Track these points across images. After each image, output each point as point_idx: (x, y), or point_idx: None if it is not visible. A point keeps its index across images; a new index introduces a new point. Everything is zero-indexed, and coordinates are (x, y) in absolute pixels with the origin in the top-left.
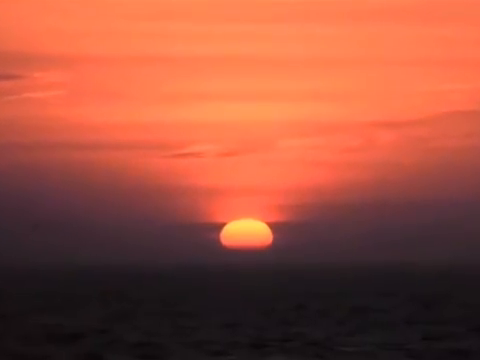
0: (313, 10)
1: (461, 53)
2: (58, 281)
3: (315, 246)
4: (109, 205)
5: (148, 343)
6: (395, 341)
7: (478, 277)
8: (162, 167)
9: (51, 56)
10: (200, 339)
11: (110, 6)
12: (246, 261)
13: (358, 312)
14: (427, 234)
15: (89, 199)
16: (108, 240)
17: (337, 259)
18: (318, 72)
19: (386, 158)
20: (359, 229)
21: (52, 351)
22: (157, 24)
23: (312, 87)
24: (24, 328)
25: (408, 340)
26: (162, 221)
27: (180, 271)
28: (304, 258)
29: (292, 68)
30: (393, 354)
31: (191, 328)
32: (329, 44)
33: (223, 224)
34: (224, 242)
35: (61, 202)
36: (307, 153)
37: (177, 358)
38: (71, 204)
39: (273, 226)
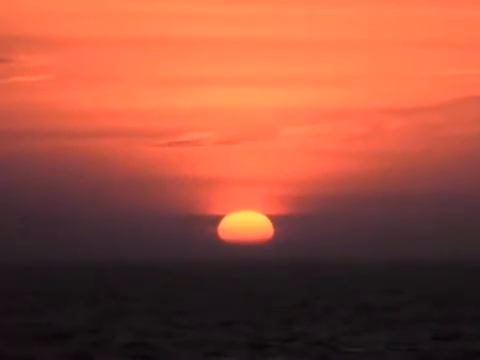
0: None
1: (475, 35)
2: (46, 278)
3: (318, 240)
4: (100, 197)
5: (141, 343)
6: (403, 341)
7: None
8: (156, 156)
9: (38, 38)
10: (196, 339)
11: None
12: (245, 256)
13: (364, 310)
14: (437, 228)
15: (79, 190)
16: (99, 234)
17: (341, 254)
18: (322, 55)
19: (393, 147)
20: (364, 222)
21: (39, 352)
22: (151, 3)
23: (315, 71)
24: (9, 327)
25: (417, 340)
26: (156, 214)
27: (175, 267)
28: (307, 253)
29: (294, 51)
30: (401, 354)
31: (186, 327)
32: (333, 26)
33: (221, 217)
34: (222, 236)
35: (49, 194)
36: (310, 141)
37: (171, 359)
38: (60, 196)
39: (274, 219)
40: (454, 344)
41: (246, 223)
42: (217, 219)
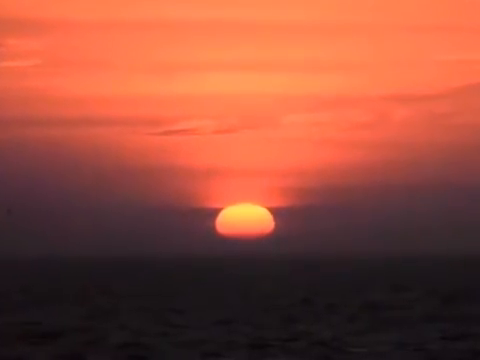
0: None
1: None
2: (35, 274)
3: (321, 234)
4: (92, 188)
5: (135, 343)
6: (410, 341)
7: None
8: (151, 145)
9: (27, 21)
10: (193, 339)
11: None
12: (244, 251)
13: (369, 308)
14: (445, 222)
15: (69, 182)
16: (90, 228)
17: (345, 249)
18: (325, 40)
19: (399, 136)
20: (369, 216)
21: (28, 352)
22: None
23: (318, 56)
24: None
25: (425, 340)
26: (150, 206)
27: (171, 262)
28: (309, 247)
29: (296, 35)
30: (409, 355)
31: (183, 326)
32: (337, 9)
33: (219, 209)
34: (220, 230)
35: (38, 185)
36: (312, 130)
37: None
38: (50, 187)
39: (274, 211)
40: (463, 344)
41: (245, 216)
42: (215, 212)
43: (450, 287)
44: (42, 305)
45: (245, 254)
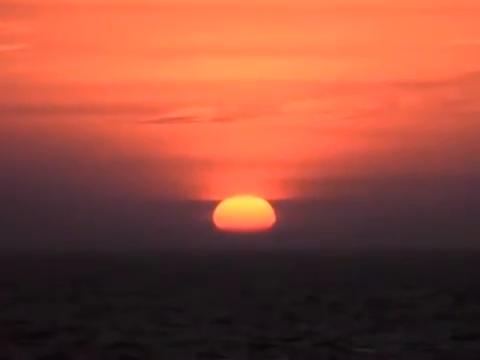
0: None
1: None
2: (22, 270)
3: (325, 228)
4: (83, 180)
5: (128, 343)
6: (420, 340)
7: None
8: (146, 134)
9: (14, 2)
10: (190, 338)
11: None
12: (244, 246)
13: (377, 306)
14: (456, 215)
15: (60, 172)
16: (81, 221)
17: (351, 244)
18: (329, 23)
19: (409, 125)
20: (376, 208)
21: (14, 352)
22: None
23: (322, 40)
24: None
25: (436, 339)
26: (145, 199)
27: (166, 258)
28: (312, 242)
29: (299, 18)
30: (418, 355)
31: (179, 325)
32: None
33: (217, 202)
34: (218, 224)
35: (27, 176)
36: (316, 118)
37: None
38: (39, 179)
39: (276, 204)
40: (476, 344)
41: (245, 209)
42: (213, 205)
43: (461, 284)
44: (30, 303)
45: (245, 249)
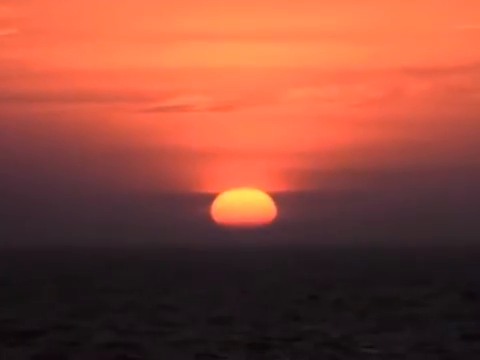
0: None
1: None
2: (12, 266)
3: (328, 222)
4: (74, 171)
5: (121, 343)
6: (428, 340)
7: None
8: (139, 124)
9: None
10: (186, 338)
11: None
12: (243, 241)
13: (382, 304)
14: (467, 208)
15: (50, 163)
16: (73, 215)
17: (356, 238)
18: (332, 6)
19: (416, 114)
20: (383, 201)
21: (3, 353)
22: None
23: (324, 25)
24: None
25: (444, 339)
26: (138, 192)
27: (161, 254)
28: (315, 237)
29: (301, 1)
30: (425, 356)
31: (175, 324)
32: None
33: (215, 195)
34: (216, 217)
35: (15, 168)
36: (319, 107)
37: None
38: (27, 169)
39: (277, 197)
40: None
41: (244, 203)
42: (210, 198)
43: (472, 281)
44: (20, 301)
45: (244, 245)
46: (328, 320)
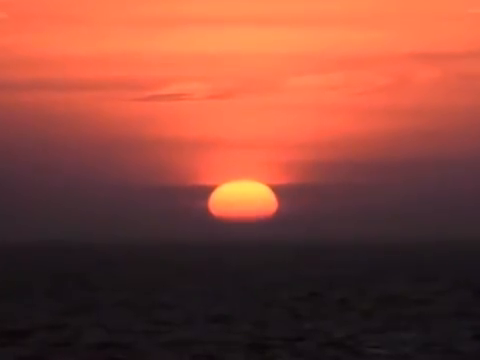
0: None
1: None
2: (0, 262)
3: (332, 216)
4: (65, 162)
5: (114, 344)
6: (437, 340)
7: None
8: (134, 113)
9: None
10: (183, 338)
11: None
12: (243, 236)
13: (389, 302)
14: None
15: (39, 154)
16: (63, 209)
17: (361, 233)
18: None
19: (426, 101)
20: (390, 194)
21: None
22: None
23: (330, 9)
24: None
25: (454, 339)
26: (133, 184)
27: (157, 249)
28: (318, 232)
29: None
30: (434, 357)
31: (171, 324)
32: None
33: (213, 187)
34: (214, 211)
35: (3, 157)
36: (322, 95)
37: None
38: (17, 160)
39: (278, 190)
40: None
41: (244, 195)
42: (208, 191)
43: None
44: (8, 299)
45: (243, 240)
46: (331, 319)
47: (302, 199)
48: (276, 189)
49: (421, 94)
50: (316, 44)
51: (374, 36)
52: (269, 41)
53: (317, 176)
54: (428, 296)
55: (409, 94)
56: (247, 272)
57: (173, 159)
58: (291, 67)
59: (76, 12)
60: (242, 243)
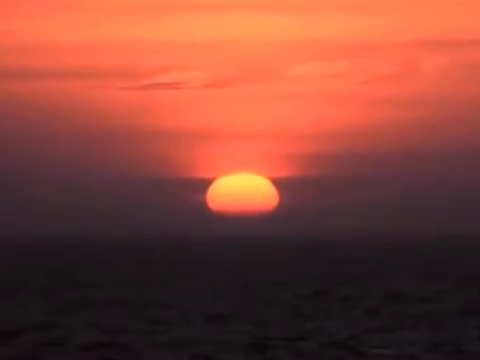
0: None
1: None
2: None
3: (336, 211)
4: (55, 155)
5: (108, 344)
6: (444, 340)
7: None
8: (128, 102)
9: None
10: (180, 338)
11: None
12: (242, 232)
13: (394, 301)
14: None
15: (30, 146)
16: (55, 203)
17: (366, 228)
18: None
19: (434, 91)
20: (395, 188)
21: None
22: None
23: None
24: None
25: (462, 339)
26: (128, 177)
27: (152, 245)
28: (321, 227)
29: None
30: (442, 357)
31: (168, 323)
32: None
33: (211, 180)
34: (212, 205)
35: None
36: (325, 84)
37: None
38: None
39: (279, 183)
40: None
41: (243, 189)
42: (206, 184)
43: None
44: None
45: (243, 235)
46: (335, 318)
47: (304, 193)
48: (277, 182)
49: (428, 83)
50: (319, 30)
51: (379, 22)
52: (270, 27)
53: (320, 168)
54: (435, 294)
55: (415, 83)
56: (246, 269)
57: (169, 151)
58: (293, 54)
59: None
60: (241, 239)
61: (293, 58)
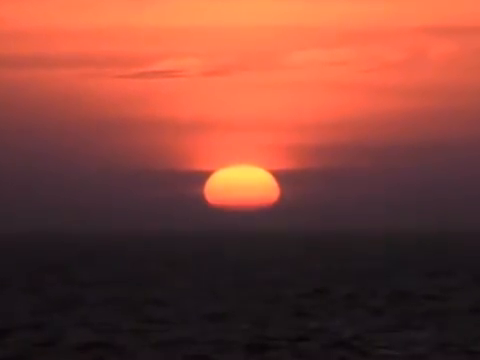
0: None
1: None
2: None
3: (339, 205)
4: (46, 146)
5: (101, 343)
6: (453, 340)
7: None
8: (121, 91)
9: None
10: (177, 337)
11: None
12: (242, 226)
13: (400, 299)
14: None
15: (20, 137)
16: (47, 196)
17: (370, 223)
18: None
19: (441, 79)
20: (401, 181)
21: None
22: None
23: None
24: None
25: (471, 338)
26: (122, 169)
27: (148, 240)
28: (324, 221)
29: None
30: (450, 358)
31: (164, 322)
32: None
33: (209, 173)
34: (210, 199)
35: None
36: (328, 72)
37: None
38: None
39: (280, 176)
40: None
41: (242, 182)
42: (204, 176)
43: None
44: None
45: (242, 230)
46: (338, 317)
47: (306, 185)
48: (277, 175)
49: (436, 71)
50: (321, 16)
51: (384, 7)
52: (269, 12)
53: (322, 160)
54: (443, 292)
55: (422, 71)
56: (246, 265)
57: (165, 142)
58: (294, 41)
59: None
60: (241, 233)
61: (294, 45)
